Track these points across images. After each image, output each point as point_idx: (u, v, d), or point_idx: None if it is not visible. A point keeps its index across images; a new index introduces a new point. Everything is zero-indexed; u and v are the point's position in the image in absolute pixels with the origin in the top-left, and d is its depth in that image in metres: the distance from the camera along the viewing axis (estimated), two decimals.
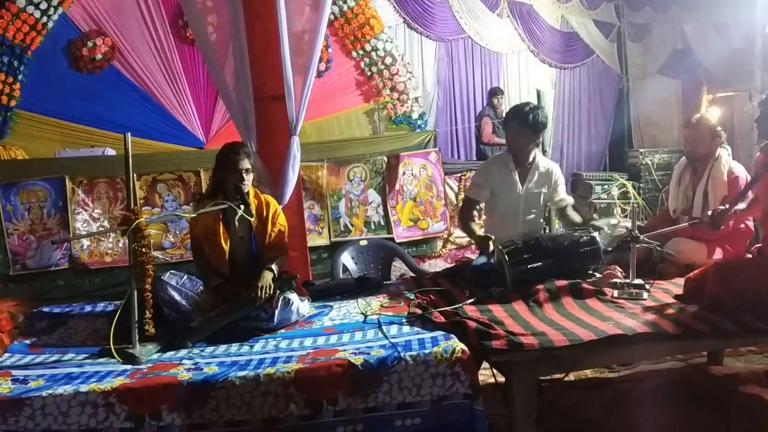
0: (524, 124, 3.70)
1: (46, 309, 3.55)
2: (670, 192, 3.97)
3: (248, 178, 3.22)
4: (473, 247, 6.25)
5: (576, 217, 3.87)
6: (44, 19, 7.27)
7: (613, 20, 10.24)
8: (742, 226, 3.67)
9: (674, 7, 9.49)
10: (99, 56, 7.51)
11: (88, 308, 3.56)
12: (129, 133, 2.76)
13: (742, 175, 3.69)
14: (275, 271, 3.18)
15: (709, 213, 3.34)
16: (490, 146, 8.48)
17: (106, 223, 5.76)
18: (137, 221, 2.70)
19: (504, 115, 3.92)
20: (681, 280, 3.31)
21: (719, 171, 3.70)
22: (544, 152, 7.43)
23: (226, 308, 2.97)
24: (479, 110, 9.06)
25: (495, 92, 8.79)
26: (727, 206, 3.29)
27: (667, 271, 3.55)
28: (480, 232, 3.70)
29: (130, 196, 2.82)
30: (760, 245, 3.42)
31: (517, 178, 3.80)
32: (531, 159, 3.82)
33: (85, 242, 5.70)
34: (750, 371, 3.86)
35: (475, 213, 3.89)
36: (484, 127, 8.58)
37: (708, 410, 3.31)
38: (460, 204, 6.83)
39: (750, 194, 3.53)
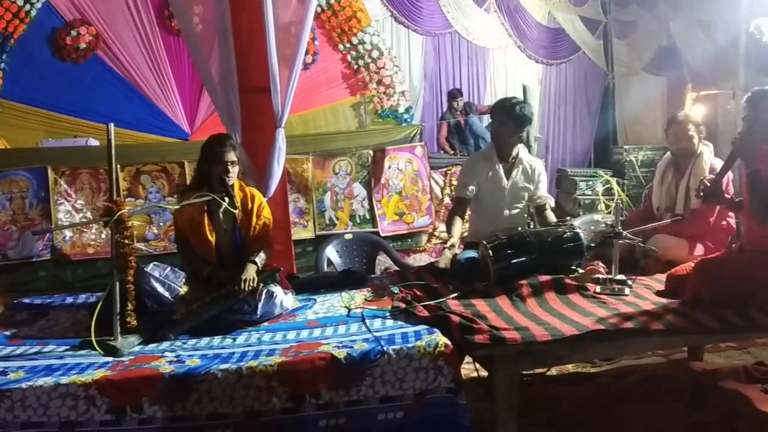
0: (510, 115, 3.70)
1: (26, 300, 3.52)
2: (653, 189, 3.99)
3: (233, 171, 3.20)
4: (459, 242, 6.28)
5: (552, 219, 3.87)
6: (27, 7, 7.21)
7: (600, 17, 10.27)
8: (724, 223, 3.70)
9: (660, 4, 9.54)
10: (83, 45, 7.45)
11: (69, 300, 3.54)
12: (112, 124, 2.74)
13: None
14: (259, 264, 3.18)
15: (705, 183, 3.31)
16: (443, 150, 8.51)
17: (88, 214, 5.71)
18: (120, 212, 2.68)
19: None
20: (663, 276, 3.33)
21: (701, 168, 3.72)
22: (529, 148, 7.48)
23: (208, 301, 2.96)
24: (462, 107, 8.97)
25: (454, 95, 8.67)
26: (714, 178, 3.29)
27: (649, 267, 3.57)
28: (456, 237, 3.65)
29: (113, 187, 2.79)
30: (741, 242, 3.45)
31: (501, 172, 3.81)
32: (515, 154, 3.83)
33: (68, 233, 5.66)
34: (729, 367, 3.90)
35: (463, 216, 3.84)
36: (441, 130, 8.60)
37: (688, 405, 3.34)
38: (446, 199, 6.89)
39: (729, 189, 3.56)
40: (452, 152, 8.37)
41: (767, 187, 3.00)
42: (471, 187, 3.81)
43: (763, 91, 3.23)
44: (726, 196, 3.38)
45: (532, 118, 3.81)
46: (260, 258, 3.20)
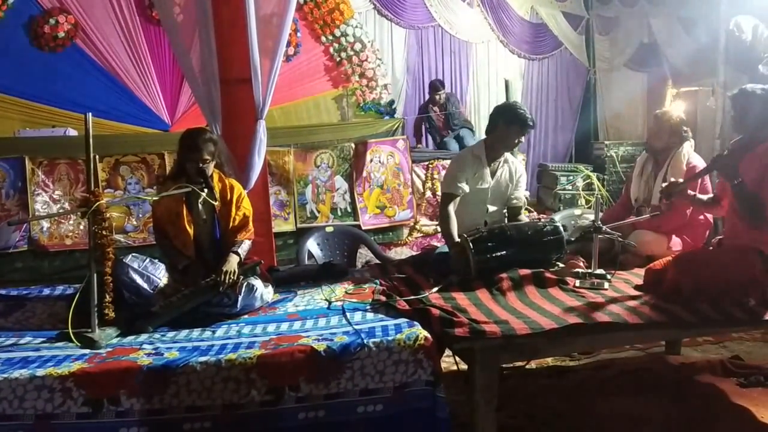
0: (518, 120, 3.70)
1: (2, 291, 3.46)
2: (632, 181, 4.02)
3: (208, 167, 3.16)
4: (439, 235, 6.28)
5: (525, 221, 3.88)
6: None
7: (582, 13, 10.31)
8: (701, 217, 3.74)
9: (641, 1, 9.61)
10: (61, 34, 7.35)
11: (46, 291, 3.49)
12: (90, 113, 2.70)
13: (700, 164, 3.76)
14: (241, 255, 3.16)
15: (665, 184, 3.37)
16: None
17: (66, 205, 5.66)
18: (97, 203, 2.65)
19: (497, 111, 3.87)
20: (641, 271, 3.36)
21: (678, 160, 3.76)
22: None
23: (188, 293, 2.93)
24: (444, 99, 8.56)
25: (436, 87, 8.27)
26: (682, 181, 3.35)
27: (628, 261, 3.60)
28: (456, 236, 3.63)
29: (91, 178, 2.76)
30: (720, 237, 3.49)
31: (488, 171, 3.82)
32: (502, 154, 3.84)
33: (45, 224, 5.59)
34: (706, 361, 3.94)
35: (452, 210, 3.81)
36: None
37: (665, 398, 3.38)
38: (427, 193, 6.89)
39: (708, 187, 3.61)
40: (419, 145, 8.32)
41: (754, 196, 3.05)
42: (460, 183, 3.78)
43: (744, 91, 3.27)
44: (691, 193, 3.43)
45: None
46: (242, 249, 3.18)
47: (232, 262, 3.07)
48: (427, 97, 9.21)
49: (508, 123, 3.76)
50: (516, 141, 3.80)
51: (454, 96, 8.71)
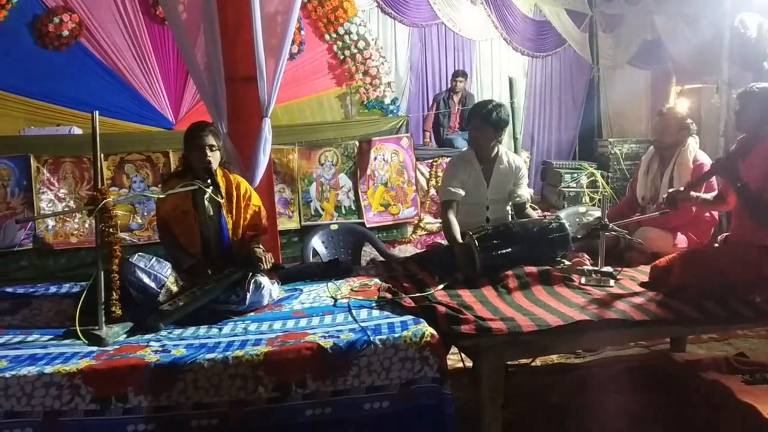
0: (486, 122, 3.72)
1: (9, 289, 3.48)
2: (638, 180, 4.02)
3: (213, 156, 3.17)
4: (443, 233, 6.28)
5: (533, 216, 3.88)
6: None
7: (586, 10, 10.30)
8: (707, 214, 3.74)
9: None
10: (65, 33, 7.36)
11: (53, 289, 3.50)
12: (96, 112, 2.71)
13: (706, 161, 3.77)
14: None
15: (669, 191, 3.38)
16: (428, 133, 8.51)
17: (71, 203, 5.67)
18: (105, 201, 2.66)
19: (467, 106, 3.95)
20: (647, 268, 3.36)
21: (685, 158, 3.77)
22: (515, 140, 7.50)
23: (196, 291, 2.93)
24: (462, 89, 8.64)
25: (457, 74, 8.46)
26: (684, 188, 3.36)
27: (634, 258, 3.60)
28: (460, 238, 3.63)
29: (98, 176, 2.77)
30: (726, 234, 3.49)
31: (482, 174, 3.83)
32: (494, 154, 3.84)
33: (51, 222, 5.61)
34: (711, 358, 3.94)
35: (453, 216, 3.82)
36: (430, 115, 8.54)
37: (669, 395, 3.38)
38: (432, 191, 6.89)
39: (713, 185, 3.61)
40: (429, 142, 8.31)
41: (761, 198, 3.06)
42: (457, 190, 3.80)
43: (745, 89, 3.29)
44: (695, 194, 3.43)
45: (509, 121, 3.84)
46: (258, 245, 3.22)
47: (261, 250, 3.14)
48: (429, 92, 9.23)
49: (478, 129, 3.82)
50: (477, 137, 3.81)
51: (472, 96, 8.69)
